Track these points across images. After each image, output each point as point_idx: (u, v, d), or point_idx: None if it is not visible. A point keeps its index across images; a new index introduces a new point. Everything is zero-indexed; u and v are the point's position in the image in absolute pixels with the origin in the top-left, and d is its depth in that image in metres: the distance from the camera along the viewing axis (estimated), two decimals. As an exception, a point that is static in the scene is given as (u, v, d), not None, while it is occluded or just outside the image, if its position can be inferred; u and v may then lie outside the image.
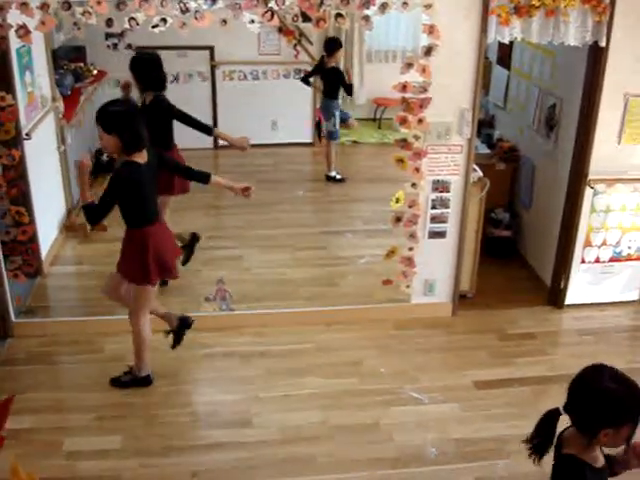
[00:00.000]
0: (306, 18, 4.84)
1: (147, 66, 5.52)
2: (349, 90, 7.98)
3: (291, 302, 5.52)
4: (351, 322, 5.32)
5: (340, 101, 8.25)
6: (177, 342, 4.79)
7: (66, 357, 4.94)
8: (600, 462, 2.60)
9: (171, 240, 4.59)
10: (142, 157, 4.13)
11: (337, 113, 7.99)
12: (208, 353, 5.03)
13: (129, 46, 8.45)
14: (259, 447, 4.21)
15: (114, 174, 4.12)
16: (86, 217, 4.12)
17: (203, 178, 4.65)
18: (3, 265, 4.99)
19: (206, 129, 5.70)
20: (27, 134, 5.29)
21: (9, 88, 4.84)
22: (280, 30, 8.31)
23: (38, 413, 4.41)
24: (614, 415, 2.45)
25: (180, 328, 4.77)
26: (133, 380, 4.66)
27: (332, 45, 7.85)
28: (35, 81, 5.73)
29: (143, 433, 4.29)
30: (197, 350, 5.03)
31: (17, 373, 4.78)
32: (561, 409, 2.67)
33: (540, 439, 2.82)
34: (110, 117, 4.07)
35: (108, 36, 8.36)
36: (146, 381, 4.67)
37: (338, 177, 7.97)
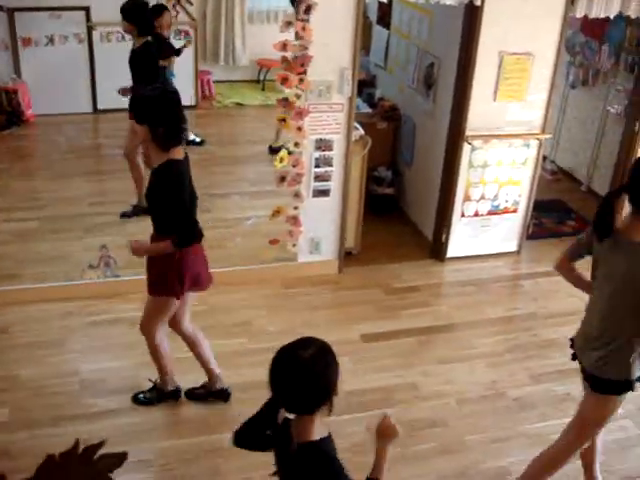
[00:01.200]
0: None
1: (143, 11, 5.88)
2: None
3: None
4: (240, 283, 5.32)
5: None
6: (194, 398, 4.34)
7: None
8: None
9: (205, 262, 4.01)
10: (180, 153, 3.68)
11: None
12: (95, 320, 4.94)
13: (0, 7, 8.10)
14: (150, 411, 4.20)
15: (159, 178, 3.65)
16: (186, 242, 3.73)
17: None
18: None
19: None
20: None
21: None
22: (158, -10, 8.14)
23: None
24: None
25: (214, 394, 4.30)
26: (160, 396, 4.29)
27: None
28: None
29: (31, 404, 4.20)
30: (84, 318, 4.94)
31: None
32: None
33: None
34: (153, 108, 3.61)
35: (-25, -4, 7.98)
36: (175, 395, 4.31)
37: (197, 140, 7.66)
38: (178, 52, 6.83)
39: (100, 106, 8.54)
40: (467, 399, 4.44)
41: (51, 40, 8.11)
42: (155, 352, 4.13)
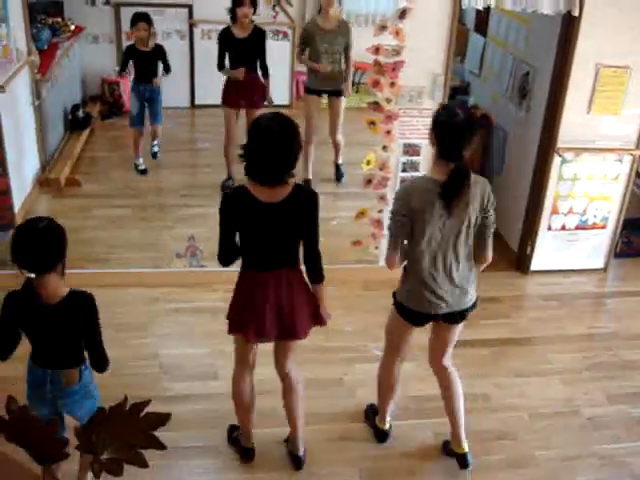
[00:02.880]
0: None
1: None
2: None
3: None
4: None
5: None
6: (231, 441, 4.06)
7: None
8: None
9: None
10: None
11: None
12: (178, 308, 5.10)
13: (107, 2, 8.43)
14: (224, 399, 4.27)
15: (307, 202, 3.39)
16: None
17: None
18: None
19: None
20: (1, 87, 5.27)
21: (-18, 39, 4.83)
22: (260, -10, 8.31)
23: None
24: None
25: (240, 449, 3.98)
26: (236, 443, 4.02)
27: None
28: (10, 34, 5.69)
29: (110, 383, 4.33)
30: (168, 304, 5.11)
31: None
32: None
33: None
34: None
35: (86, -9, 8.32)
36: (247, 454, 3.96)
37: None
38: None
39: (197, 101, 8.80)
40: (540, 414, 4.38)
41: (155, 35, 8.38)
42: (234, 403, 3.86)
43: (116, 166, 7.14)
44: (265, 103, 6.55)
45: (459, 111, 3.39)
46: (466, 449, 3.94)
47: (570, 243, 5.76)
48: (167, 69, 6.85)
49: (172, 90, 7.78)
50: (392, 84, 4.82)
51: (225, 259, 3.47)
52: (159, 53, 6.81)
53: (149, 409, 1.89)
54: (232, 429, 4.07)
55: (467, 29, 7.10)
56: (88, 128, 7.82)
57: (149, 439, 1.05)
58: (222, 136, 6.75)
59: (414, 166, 5.20)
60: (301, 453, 3.93)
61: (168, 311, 5.06)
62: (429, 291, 3.59)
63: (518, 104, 5.99)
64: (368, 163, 5.07)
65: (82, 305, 3.05)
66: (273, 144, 3.16)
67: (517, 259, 5.91)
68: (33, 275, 2.91)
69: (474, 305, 3.76)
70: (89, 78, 8.59)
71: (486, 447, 4.08)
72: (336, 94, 6.68)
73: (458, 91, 6.85)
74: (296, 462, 3.93)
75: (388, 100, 4.88)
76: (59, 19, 7.71)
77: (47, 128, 6.76)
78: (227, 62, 6.44)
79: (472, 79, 7.19)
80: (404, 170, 5.21)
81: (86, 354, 3.15)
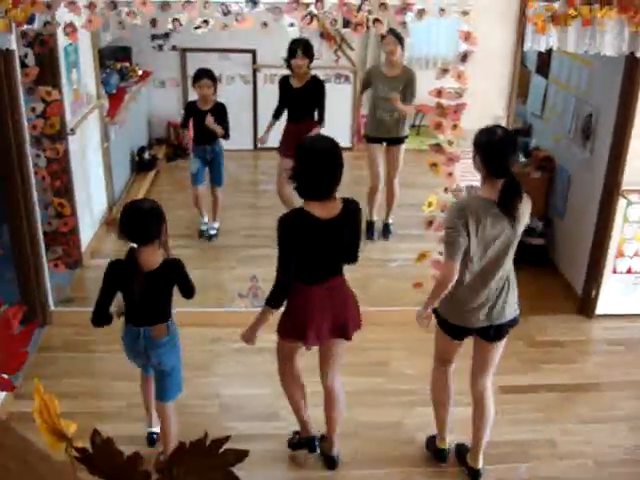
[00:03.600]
0: (347, 24, 4.95)
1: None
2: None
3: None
4: (381, 324, 5.36)
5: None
6: (292, 446, 4.29)
7: (101, 346, 5.05)
8: None
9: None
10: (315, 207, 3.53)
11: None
12: (240, 348, 5.08)
13: (174, 47, 8.67)
14: (285, 440, 4.30)
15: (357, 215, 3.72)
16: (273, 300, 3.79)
17: None
18: (44, 255, 5.16)
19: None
20: (72, 129, 5.47)
21: (55, 84, 5.02)
22: (322, 35, 8.46)
23: (73, 398, 4.54)
24: None
25: (303, 443, 4.24)
26: (300, 442, 4.26)
27: None
28: (81, 79, 5.91)
29: (172, 422, 4.41)
30: (230, 344, 5.13)
31: (54, 359, 4.94)
32: None
33: None
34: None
35: (154, 37, 8.58)
36: (310, 444, 4.21)
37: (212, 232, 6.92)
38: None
39: (259, 144, 8.92)
40: (606, 462, 4.25)
41: (219, 79, 8.57)
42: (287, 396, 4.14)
43: (180, 206, 7.26)
44: None
45: (497, 129, 3.61)
46: (480, 466, 4.07)
47: (636, 286, 5.63)
48: (226, 133, 6.41)
49: (235, 133, 7.94)
50: (454, 126, 4.83)
51: (286, 282, 3.66)
52: (219, 112, 6.35)
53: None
54: (298, 441, 4.26)
55: (529, 71, 7.09)
56: (154, 170, 8.02)
57: (227, 475, 1.06)
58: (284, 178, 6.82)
59: (476, 208, 5.17)
60: (335, 453, 4.12)
61: (230, 351, 5.10)
62: (471, 305, 3.69)
63: (582, 145, 5.93)
64: (429, 205, 5.07)
65: (175, 268, 3.70)
66: (322, 158, 3.46)
67: (581, 303, 5.80)
68: (136, 245, 3.54)
69: (513, 320, 3.87)
70: (155, 121, 8.83)
71: (552, 495, 3.99)
72: (395, 142, 6.69)
73: (520, 133, 6.82)
74: (330, 462, 4.12)
75: (450, 142, 4.89)
76: (127, 64, 7.98)
77: (114, 169, 6.94)
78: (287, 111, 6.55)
79: (534, 121, 7.16)
80: (466, 212, 5.19)
81: (172, 311, 3.80)
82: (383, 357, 5.07)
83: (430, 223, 5.14)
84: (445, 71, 4.72)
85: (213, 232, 6.84)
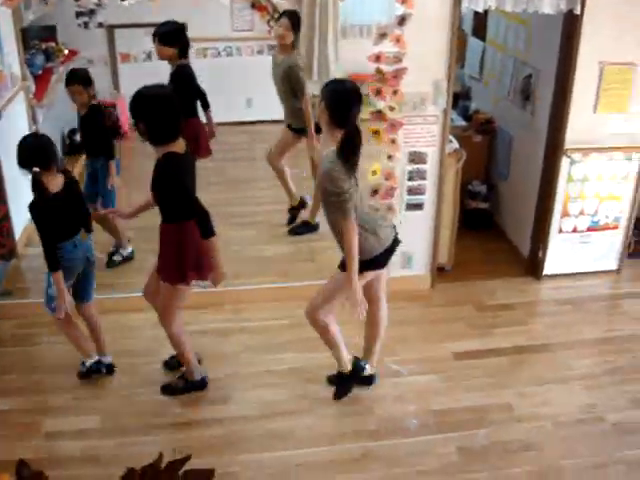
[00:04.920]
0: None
1: (184, 33, 5.70)
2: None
3: (268, 278, 5.50)
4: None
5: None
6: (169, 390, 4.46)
7: (43, 338, 4.87)
8: None
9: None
10: (179, 146, 3.82)
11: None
12: (187, 330, 4.98)
13: (100, 25, 8.37)
14: (238, 422, 4.19)
15: (158, 170, 3.84)
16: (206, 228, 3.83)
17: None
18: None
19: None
20: (-2, 112, 5.20)
21: (-24, 65, 4.75)
22: (253, 5, 8.23)
23: (15, 395, 4.38)
24: None
25: (189, 386, 4.45)
26: (186, 386, 4.43)
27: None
28: (4, 59, 5.62)
29: (121, 412, 4.26)
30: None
31: (-4, 354, 4.75)
32: None
33: None
34: (137, 103, 3.76)
35: (79, 15, 8.31)
36: (202, 384, 4.45)
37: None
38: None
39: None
40: (564, 422, 4.25)
41: (149, 56, 8.29)
42: (176, 342, 4.29)
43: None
44: None
45: (346, 81, 3.89)
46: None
47: (582, 245, 5.65)
48: (103, 148, 5.43)
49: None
50: (395, 92, 4.72)
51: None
52: (91, 118, 5.42)
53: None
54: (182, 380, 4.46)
55: (465, 34, 7.02)
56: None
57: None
58: (222, 155, 6.66)
59: (421, 175, 5.11)
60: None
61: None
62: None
63: (522, 107, 5.90)
64: (374, 173, 4.96)
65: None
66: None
67: (528, 264, 5.81)
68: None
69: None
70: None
71: (512, 459, 3.96)
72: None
73: (459, 96, 6.76)
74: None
75: (391, 108, 4.78)
76: (53, 44, 7.64)
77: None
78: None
79: (473, 84, 7.11)
80: (410, 179, 5.12)
81: None
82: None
83: (375, 192, 5.04)
84: (383, 35, 4.59)
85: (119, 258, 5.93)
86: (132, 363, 4.65)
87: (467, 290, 5.55)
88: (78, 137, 7.56)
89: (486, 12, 6.25)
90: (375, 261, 3.99)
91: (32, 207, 4.01)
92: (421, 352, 4.83)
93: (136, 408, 4.29)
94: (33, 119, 6.32)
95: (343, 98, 3.71)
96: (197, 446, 3.96)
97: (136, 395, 4.40)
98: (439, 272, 5.58)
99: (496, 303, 5.42)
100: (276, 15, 8.55)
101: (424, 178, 5.13)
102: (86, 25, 8.37)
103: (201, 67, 8.49)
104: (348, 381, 4.44)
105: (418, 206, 5.23)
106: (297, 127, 6.07)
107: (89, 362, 4.51)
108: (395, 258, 5.29)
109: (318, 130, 5.82)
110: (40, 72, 6.85)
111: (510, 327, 5.14)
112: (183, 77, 5.60)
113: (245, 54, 8.71)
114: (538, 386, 4.55)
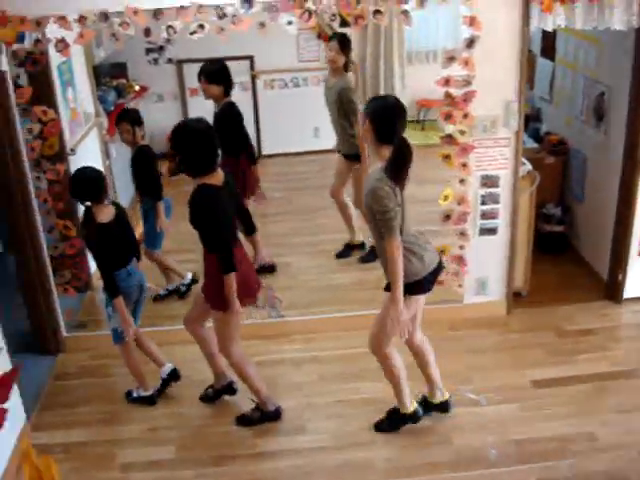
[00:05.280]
0: (344, 23, 4.81)
1: (228, 71, 5.67)
2: None
3: (341, 307, 5.44)
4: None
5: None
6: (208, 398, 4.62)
7: (117, 370, 4.89)
8: None
9: (252, 266, 4.29)
10: (217, 178, 3.90)
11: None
12: (259, 361, 4.96)
13: (169, 60, 8.54)
14: (314, 453, 4.14)
15: (192, 201, 3.89)
16: (226, 264, 3.88)
17: (249, 228, 4.52)
18: (52, 280, 5.02)
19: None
20: (72, 149, 5.34)
21: (51, 103, 4.88)
22: (319, 36, 8.30)
23: (90, 426, 4.43)
24: None
25: (264, 417, 4.42)
26: (262, 417, 4.40)
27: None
28: (77, 97, 5.77)
29: (196, 443, 4.26)
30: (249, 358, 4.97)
31: (69, 387, 4.83)
32: None
33: None
34: (174, 136, 3.87)
35: (148, 51, 8.49)
36: (276, 415, 4.41)
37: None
38: None
39: (264, 151, 8.78)
40: (652, 452, 4.08)
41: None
42: (241, 372, 4.27)
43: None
44: None
45: (389, 97, 3.88)
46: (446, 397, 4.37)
47: (664, 267, 5.44)
48: (151, 191, 5.48)
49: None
50: (465, 115, 4.67)
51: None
52: (137, 160, 5.56)
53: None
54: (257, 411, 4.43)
55: (534, 55, 6.91)
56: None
57: None
58: (291, 184, 6.67)
59: (494, 198, 5.01)
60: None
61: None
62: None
63: (595, 126, 5.75)
64: (446, 198, 4.91)
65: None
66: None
67: (608, 288, 5.62)
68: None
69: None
70: (156, 136, 8.64)
71: (598, 492, 3.81)
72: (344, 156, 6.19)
73: (530, 118, 6.64)
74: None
75: (462, 132, 4.72)
76: (124, 80, 7.84)
77: (118, 187, 6.79)
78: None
79: (543, 105, 6.97)
80: (483, 203, 5.02)
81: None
82: (409, 359, 4.83)
83: (447, 217, 4.98)
84: (452, 59, 4.56)
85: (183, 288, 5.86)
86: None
87: (545, 315, 5.40)
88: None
89: (555, 31, 6.15)
90: (418, 284, 3.89)
91: (86, 237, 4.28)
92: (498, 380, 4.70)
93: (210, 439, 4.28)
94: (106, 154, 6.46)
95: (387, 113, 3.65)
96: (272, 477, 3.93)
97: (210, 426, 4.40)
98: (515, 297, 5.45)
99: (576, 328, 5.25)
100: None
101: (497, 202, 5.03)
102: (156, 61, 8.57)
103: (269, 98, 8.69)
104: (398, 421, 4.29)
105: (492, 230, 5.12)
106: (348, 153, 6.02)
107: (145, 393, 4.61)
108: (469, 284, 5.26)
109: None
110: (112, 108, 7.01)
111: (591, 353, 4.96)
112: (229, 115, 5.59)
113: (311, 84, 8.74)
114: (622, 414, 4.37)
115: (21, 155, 4.69)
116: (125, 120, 5.33)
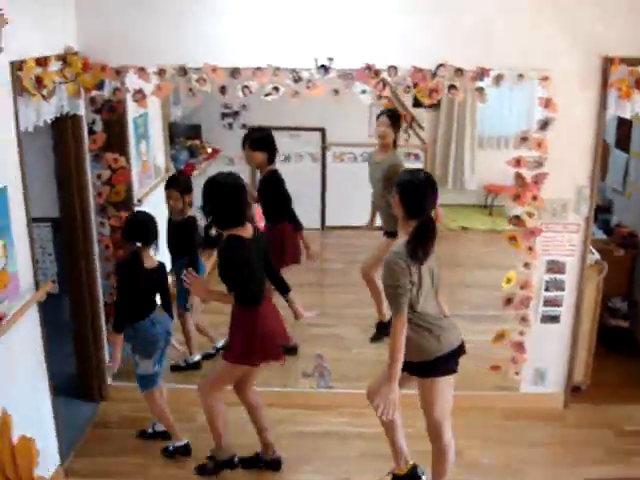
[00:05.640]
0: (417, 103, 4.80)
1: (273, 139, 5.58)
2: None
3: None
4: (454, 408, 4.95)
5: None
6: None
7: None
8: None
9: (280, 323, 4.25)
10: (245, 231, 3.96)
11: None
12: (303, 431, 4.85)
13: (244, 126, 8.69)
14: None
15: (219, 250, 3.95)
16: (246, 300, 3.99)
17: (283, 289, 4.43)
18: (104, 326, 5.01)
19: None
20: (139, 200, 5.41)
21: (123, 153, 4.95)
22: (390, 112, 8.36)
23: (123, 477, 4.35)
24: None
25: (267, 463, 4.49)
26: (216, 466, 4.41)
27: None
28: (150, 151, 5.88)
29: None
30: (292, 427, 4.87)
31: (109, 436, 4.79)
32: None
33: None
34: (204, 189, 3.93)
35: (224, 116, 8.68)
36: (229, 464, 4.43)
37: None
38: None
39: (328, 223, 8.79)
40: None
41: (287, 158, 8.50)
42: (210, 415, 4.25)
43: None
44: None
45: (420, 171, 3.81)
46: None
47: None
48: (190, 262, 5.03)
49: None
50: (534, 197, 4.58)
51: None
52: (183, 229, 5.35)
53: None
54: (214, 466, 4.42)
55: (608, 145, 6.81)
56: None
57: None
58: (349, 257, 6.61)
59: (558, 285, 4.85)
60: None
61: (293, 434, 4.82)
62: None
63: (669, 222, 5.59)
64: (508, 281, 4.78)
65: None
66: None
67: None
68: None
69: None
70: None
71: None
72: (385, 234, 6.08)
73: (600, 209, 6.49)
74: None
75: (530, 214, 4.62)
76: (197, 142, 8.00)
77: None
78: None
79: (615, 197, 6.83)
80: (547, 289, 4.87)
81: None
82: (457, 445, 4.63)
83: (509, 301, 4.84)
84: (524, 139, 4.51)
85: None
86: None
87: (603, 413, 5.14)
88: (214, 231, 7.78)
89: (631, 123, 6.05)
90: (439, 363, 3.78)
91: (122, 274, 4.34)
92: (552, 476, 4.47)
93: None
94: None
95: (417, 188, 3.63)
96: None
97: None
98: (574, 391, 5.22)
99: (636, 429, 4.99)
100: (414, 124, 8.67)
101: (562, 289, 4.87)
102: (230, 126, 8.75)
103: (337, 171, 8.73)
104: None
105: (554, 318, 4.94)
106: (392, 230, 5.53)
107: (179, 443, 4.58)
108: (527, 373, 5.06)
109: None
110: (183, 167, 7.13)
111: (650, 456, 4.70)
112: (272, 183, 5.56)
113: (381, 160, 8.77)
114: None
115: (88, 199, 4.77)
116: (174, 187, 5.21)
